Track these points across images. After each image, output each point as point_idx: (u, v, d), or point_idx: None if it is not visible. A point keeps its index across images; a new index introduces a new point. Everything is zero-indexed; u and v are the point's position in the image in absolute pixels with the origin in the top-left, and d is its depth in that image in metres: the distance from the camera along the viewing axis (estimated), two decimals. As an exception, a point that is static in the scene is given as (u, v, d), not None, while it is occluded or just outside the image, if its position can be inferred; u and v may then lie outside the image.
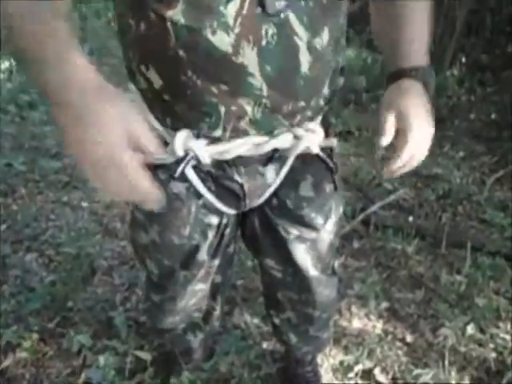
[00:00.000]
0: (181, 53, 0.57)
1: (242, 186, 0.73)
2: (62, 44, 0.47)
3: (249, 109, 0.61)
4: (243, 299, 1.49)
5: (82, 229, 1.81)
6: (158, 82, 0.61)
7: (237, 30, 0.54)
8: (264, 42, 0.56)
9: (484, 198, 2.14)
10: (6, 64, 3.68)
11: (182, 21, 0.54)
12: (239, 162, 0.69)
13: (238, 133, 0.64)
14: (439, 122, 2.50)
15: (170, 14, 0.54)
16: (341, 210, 0.85)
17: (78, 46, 0.48)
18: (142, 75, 0.63)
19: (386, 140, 0.67)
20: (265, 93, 0.60)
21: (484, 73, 3.62)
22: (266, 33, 0.55)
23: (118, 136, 0.48)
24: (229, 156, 0.66)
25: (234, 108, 0.61)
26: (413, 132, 0.67)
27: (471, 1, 3.47)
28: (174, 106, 0.63)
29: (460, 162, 2.52)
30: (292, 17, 0.56)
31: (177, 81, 0.60)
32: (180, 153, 0.63)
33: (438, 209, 2.05)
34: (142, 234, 0.80)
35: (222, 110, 0.61)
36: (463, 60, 3.64)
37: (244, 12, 0.53)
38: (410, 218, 1.90)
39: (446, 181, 2.29)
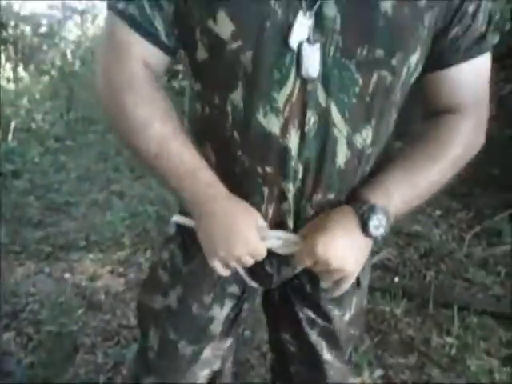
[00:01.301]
0: (235, 133, 0.62)
1: (271, 276, 0.75)
2: (193, 166, 0.62)
3: (288, 193, 0.64)
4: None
5: (63, 303, 1.75)
6: (212, 158, 0.67)
7: (286, 115, 0.59)
8: (306, 129, 0.60)
9: (464, 255, 2.20)
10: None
11: (240, 104, 0.60)
12: (272, 252, 0.68)
13: (276, 220, 0.67)
14: None
15: (231, 97, 0.60)
16: (364, 303, 0.84)
17: (204, 164, 0.63)
18: (199, 149, 0.66)
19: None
20: (300, 176, 0.63)
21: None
22: (309, 120, 0.59)
23: (253, 230, 0.64)
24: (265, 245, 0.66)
25: (275, 190, 0.64)
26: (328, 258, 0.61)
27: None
28: (223, 183, 0.65)
29: (438, 219, 2.61)
30: (334, 109, 0.59)
31: (228, 158, 0.65)
32: None
33: (422, 267, 2.09)
34: (158, 298, 0.78)
35: (266, 191, 0.65)
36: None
37: (293, 99, 0.58)
38: (396, 279, 1.93)
39: (426, 238, 2.35)
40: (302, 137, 0.60)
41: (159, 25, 0.59)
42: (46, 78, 5.32)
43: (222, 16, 0.55)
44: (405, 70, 0.61)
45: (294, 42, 0.55)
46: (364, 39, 0.56)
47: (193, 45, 0.60)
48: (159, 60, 0.63)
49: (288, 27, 0.55)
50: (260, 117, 0.59)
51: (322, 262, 0.61)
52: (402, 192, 0.65)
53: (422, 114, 0.73)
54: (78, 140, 3.64)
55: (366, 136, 0.62)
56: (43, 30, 8.89)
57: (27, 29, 8.25)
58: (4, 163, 3.08)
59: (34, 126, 3.71)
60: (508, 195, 2.73)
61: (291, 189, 0.64)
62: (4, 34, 7.81)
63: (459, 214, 2.70)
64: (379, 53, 0.57)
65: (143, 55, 0.61)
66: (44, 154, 3.25)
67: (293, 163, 0.62)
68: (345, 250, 0.62)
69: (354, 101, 0.59)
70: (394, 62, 0.58)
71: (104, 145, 3.56)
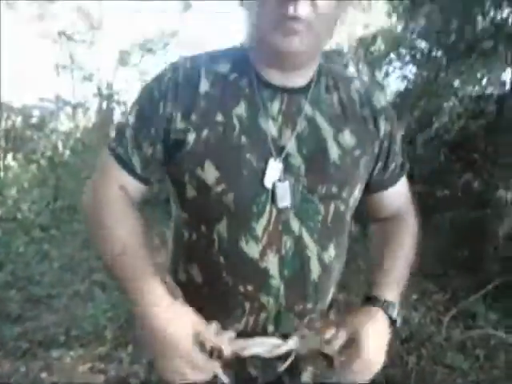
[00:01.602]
0: (221, 258, 0.74)
1: (256, 379, 0.80)
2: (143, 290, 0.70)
3: (268, 306, 0.75)
4: None
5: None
6: (198, 279, 0.77)
7: (264, 242, 0.72)
8: (283, 252, 0.73)
9: (443, 338, 2.25)
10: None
11: (225, 234, 0.73)
12: (256, 356, 0.76)
13: (257, 328, 0.76)
14: None
15: (217, 228, 0.73)
16: None
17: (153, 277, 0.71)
18: (185, 272, 0.78)
19: (330, 333, 0.75)
20: (282, 292, 0.74)
21: (431, 215, 4.11)
22: (285, 244, 0.73)
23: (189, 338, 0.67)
24: (247, 353, 0.74)
25: (256, 304, 0.75)
26: (363, 349, 0.71)
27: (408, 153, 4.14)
28: (209, 299, 0.76)
29: (415, 302, 2.68)
30: (305, 233, 0.73)
31: (213, 278, 0.76)
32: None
33: (404, 353, 2.11)
34: None
35: (247, 305, 0.75)
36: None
37: (270, 228, 0.72)
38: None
39: (405, 322, 2.40)
40: (281, 258, 0.73)
41: (136, 161, 0.75)
42: (34, 167, 5.51)
43: (209, 165, 0.71)
44: (351, 199, 0.79)
45: (268, 182, 0.72)
46: (322, 180, 0.74)
47: (182, 185, 0.75)
48: (135, 187, 0.78)
49: (262, 172, 0.71)
50: (242, 244, 0.72)
51: (364, 361, 0.72)
52: (398, 285, 0.82)
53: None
54: (63, 229, 3.69)
55: (331, 253, 0.77)
56: (34, 120, 9.38)
57: (18, 120, 8.69)
58: (-14, 254, 3.09)
59: (19, 215, 3.78)
60: (479, 276, 2.87)
61: (271, 302, 0.75)
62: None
63: (435, 295, 2.78)
64: (334, 189, 0.75)
65: (122, 182, 0.76)
66: (28, 244, 3.27)
67: (273, 281, 0.74)
68: (382, 348, 0.76)
69: (319, 226, 0.75)
70: (344, 194, 0.76)
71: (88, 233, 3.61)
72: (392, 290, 0.80)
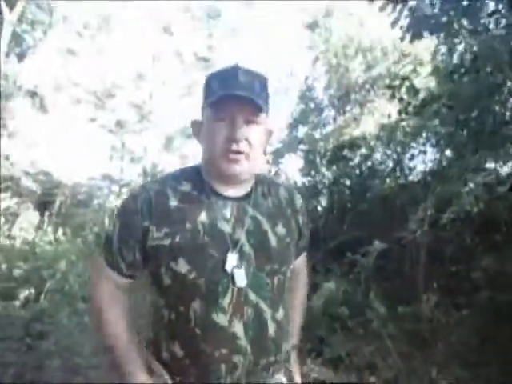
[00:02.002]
0: (196, 330, 0.96)
1: None
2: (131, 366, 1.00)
3: (240, 364, 0.96)
4: None
5: None
6: (180, 353, 0.97)
7: (230, 312, 0.96)
8: (246, 318, 0.97)
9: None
10: (25, 292, 4.05)
11: (199, 309, 0.95)
12: None
13: (232, 380, 0.97)
14: (423, 346, 2.76)
15: (193, 306, 0.95)
16: None
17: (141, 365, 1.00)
18: (168, 350, 0.99)
19: None
20: (249, 350, 0.96)
21: (457, 296, 4.02)
22: (247, 312, 0.97)
23: None
24: None
25: (230, 364, 0.95)
26: None
27: (431, 232, 4.17)
28: (190, 369, 0.96)
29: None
30: (260, 301, 0.99)
31: (193, 350, 0.96)
32: None
33: None
34: None
35: (223, 367, 0.95)
36: (435, 285, 4.10)
37: (234, 301, 0.97)
38: None
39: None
40: (245, 323, 0.97)
41: (122, 266, 1.02)
42: (80, 241, 5.95)
43: (181, 261, 0.96)
44: (288, 271, 1.08)
45: (229, 268, 0.97)
46: (267, 261, 1.02)
47: (159, 276, 0.99)
48: (124, 282, 1.06)
49: (223, 261, 0.97)
50: (214, 316, 0.96)
51: None
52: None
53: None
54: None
55: (281, 312, 1.03)
56: (82, 197, 10.21)
57: (67, 195, 9.50)
58: (33, 324, 3.34)
59: (67, 287, 4.08)
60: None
61: (242, 360, 0.96)
62: (47, 199, 9.01)
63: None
64: (275, 267, 1.03)
65: (114, 280, 1.04)
66: (71, 315, 3.50)
67: (241, 343, 0.96)
68: None
69: (269, 294, 1.01)
70: (283, 269, 1.05)
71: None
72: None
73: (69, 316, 3.50)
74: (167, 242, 0.96)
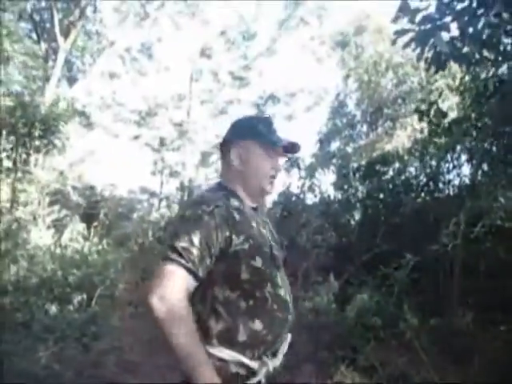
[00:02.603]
0: (274, 305, 1.26)
1: None
2: (201, 362, 1.12)
3: (290, 320, 1.31)
4: None
5: None
6: (260, 327, 1.23)
7: (283, 286, 1.31)
8: (287, 288, 1.32)
9: None
10: (78, 297, 4.42)
11: (271, 290, 1.27)
12: None
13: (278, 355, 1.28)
14: (458, 359, 2.84)
15: (266, 289, 1.27)
16: None
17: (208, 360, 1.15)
18: (246, 330, 1.21)
19: None
20: (291, 310, 1.32)
21: (493, 312, 4.00)
22: (286, 284, 1.33)
23: None
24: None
25: (287, 322, 1.29)
26: None
27: (464, 248, 4.18)
28: (268, 336, 1.24)
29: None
30: (286, 281, 1.36)
31: (271, 320, 1.25)
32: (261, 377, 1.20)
33: None
34: None
35: (286, 325, 1.29)
36: (469, 301, 4.10)
37: (280, 279, 1.32)
38: None
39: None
40: (287, 292, 1.33)
41: (201, 271, 1.16)
42: (123, 250, 6.35)
43: (258, 258, 1.26)
44: None
45: (276, 260, 1.33)
46: (280, 256, 1.37)
47: (237, 273, 1.23)
48: (194, 285, 1.17)
49: (271, 254, 1.31)
50: (279, 291, 1.29)
51: None
52: None
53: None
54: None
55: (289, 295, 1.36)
56: (123, 209, 10.78)
57: (110, 208, 10.07)
58: (88, 325, 3.67)
59: (117, 293, 4.42)
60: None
61: (289, 318, 1.31)
62: (92, 212, 9.60)
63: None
64: (282, 261, 1.38)
65: (188, 285, 1.14)
66: (122, 319, 3.82)
67: (290, 305, 1.31)
68: None
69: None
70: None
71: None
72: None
73: (119, 319, 3.82)
74: (246, 246, 1.23)
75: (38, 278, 4.82)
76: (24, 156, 7.04)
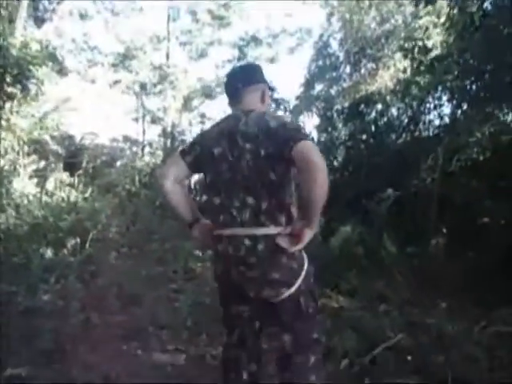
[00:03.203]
0: None
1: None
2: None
3: None
4: None
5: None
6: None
7: None
8: None
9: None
10: (72, 241, 4.50)
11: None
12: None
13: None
14: (431, 282, 3.09)
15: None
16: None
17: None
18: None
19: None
20: None
21: (464, 241, 4.34)
22: None
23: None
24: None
25: None
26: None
27: (441, 182, 4.42)
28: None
29: (450, 314, 2.97)
30: None
31: None
32: None
33: (433, 351, 2.44)
34: None
35: None
36: (444, 231, 4.43)
37: None
38: (409, 357, 2.31)
39: (439, 329, 2.71)
40: None
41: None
42: (111, 197, 6.44)
43: None
44: None
45: None
46: None
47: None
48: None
49: None
50: None
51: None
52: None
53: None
54: (142, 247, 4.42)
55: None
56: (106, 158, 10.68)
57: (91, 157, 9.95)
58: (86, 266, 3.84)
59: (110, 235, 4.57)
60: None
61: None
62: (77, 162, 9.50)
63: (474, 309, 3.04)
64: None
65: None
66: (117, 258, 3.99)
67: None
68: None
69: None
70: None
71: (162, 252, 4.32)
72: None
73: (115, 259, 3.99)
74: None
75: (29, 225, 4.89)
76: (1, 103, 6.76)
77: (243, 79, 1.64)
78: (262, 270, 1.41)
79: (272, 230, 1.41)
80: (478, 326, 2.73)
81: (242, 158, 1.44)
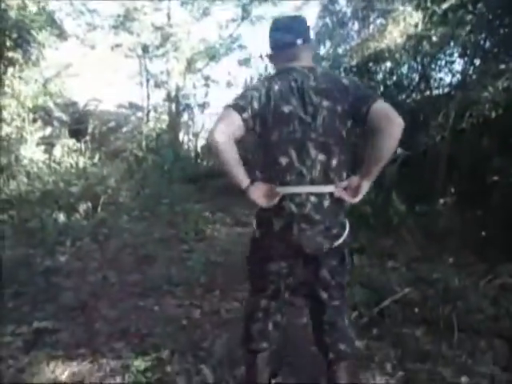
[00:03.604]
0: None
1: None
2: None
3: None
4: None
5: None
6: None
7: None
8: None
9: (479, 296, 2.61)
10: (83, 206, 4.60)
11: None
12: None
13: None
14: (438, 239, 3.20)
15: None
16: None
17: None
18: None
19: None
20: None
21: (472, 200, 4.35)
22: None
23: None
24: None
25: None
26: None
27: (451, 141, 4.37)
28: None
29: (457, 269, 3.04)
30: None
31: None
32: None
33: (440, 303, 2.52)
34: None
35: None
36: (452, 190, 4.43)
37: None
38: (416, 309, 2.39)
39: (446, 283, 2.79)
40: None
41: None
42: (119, 161, 6.47)
43: None
44: None
45: None
46: None
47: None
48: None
49: None
50: None
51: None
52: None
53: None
54: (153, 211, 4.50)
55: None
56: (112, 124, 10.61)
57: (99, 124, 9.91)
58: (99, 229, 3.93)
59: (121, 199, 4.64)
60: None
61: None
62: (82, 128, 9.47)
63: (477, 265, 3.11)
64: None
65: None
66: (129, 222, 4.08)
67: None
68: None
69: None
70: None
71: (172, 215, 4.40)
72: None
73: (127, 222, 4.07)
74: None
75: (40, 191, 4.98)
76: (2, 68, 6.66)
77: (302, 34, 1.53)
78: (325, 226, 1.46)
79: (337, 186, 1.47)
80: (484, 280, 2.80)
81: (318, 114, 1.43)
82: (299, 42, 1.51)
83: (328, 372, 1.63)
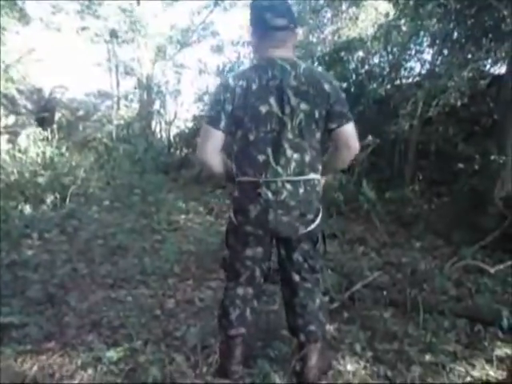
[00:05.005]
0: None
1: None
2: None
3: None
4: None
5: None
6: None
7: None
8: None
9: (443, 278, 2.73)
10: (51, 197, 4.45)
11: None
12: None
13: None
14: (407, 225, 3.34)
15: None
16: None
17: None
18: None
19: None
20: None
21: (439, 186, 4.52)
22: None
23: None
24: None
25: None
26: None
27: (418, 134, 4.54)
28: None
29: (424, 253, 3.17)
30: None
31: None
32: None
33: (407, 285, 2.62)
34: None
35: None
36: (420, 177, 4.58)
37: None
38: (385, 293, 2.47)
39: (413, 266, 2.90)
40: None
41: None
42: (89, 152, 6.28)
43: None
44: None
45: None
46: None
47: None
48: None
49: None
50: None
51: None
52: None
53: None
54: (124, 201, 4.40)
55: None
56: (80, 113, 10.27)
57: (67, 112, 9.58)
58: (69, 220, 3.81)
59: (91, 190, 4.51)
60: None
61: None
62: (48, 117, 9.12)
63: (442, 249, 3.25)
64: None
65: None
66: (100, 212, 3.98)
67: None
68: None
69: None
70: None
71: (145, 205, 4.33)
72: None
73: (97, 213, 3.97)
74: None
75: (3, 182, 4.77)
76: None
77: (292, 18, 1.50)
78: (301, 212, 1.51)
79: (312, 176, 1.52)
80: (449, 263, 2.92)
81: (295, 116, 1.45)
82: (291, 25, 1.49)
83: (299, 353, 1.67)
